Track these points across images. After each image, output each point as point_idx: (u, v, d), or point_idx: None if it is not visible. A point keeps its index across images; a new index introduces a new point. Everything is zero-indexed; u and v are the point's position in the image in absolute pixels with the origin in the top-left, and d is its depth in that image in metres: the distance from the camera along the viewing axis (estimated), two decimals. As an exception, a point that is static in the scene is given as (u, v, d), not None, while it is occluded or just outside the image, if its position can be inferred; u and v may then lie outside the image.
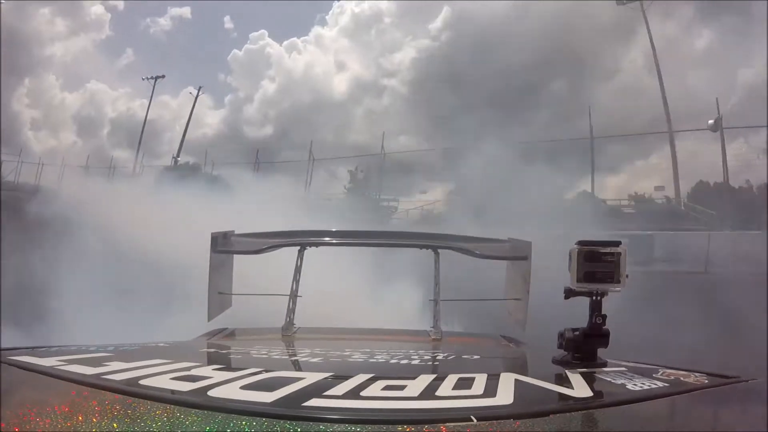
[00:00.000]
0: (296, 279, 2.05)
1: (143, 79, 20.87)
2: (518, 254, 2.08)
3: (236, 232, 2.18)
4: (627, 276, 1.03)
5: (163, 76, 20.74)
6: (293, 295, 2.00)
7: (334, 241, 2.38)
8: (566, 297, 1.05)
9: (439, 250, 2.11)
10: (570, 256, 1.03)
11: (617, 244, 1.04)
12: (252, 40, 23.87)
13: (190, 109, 21.22)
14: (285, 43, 23.73)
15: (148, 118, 20.85)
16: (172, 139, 21.34)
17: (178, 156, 19.95)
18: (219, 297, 2.06)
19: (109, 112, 22.74)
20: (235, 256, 2.18)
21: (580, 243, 1.04)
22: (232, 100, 23.76)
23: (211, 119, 23.32)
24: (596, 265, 1.02)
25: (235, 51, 24.04)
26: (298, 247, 2.10)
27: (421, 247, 2.18)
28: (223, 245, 2.08)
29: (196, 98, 21.12)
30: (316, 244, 2.15)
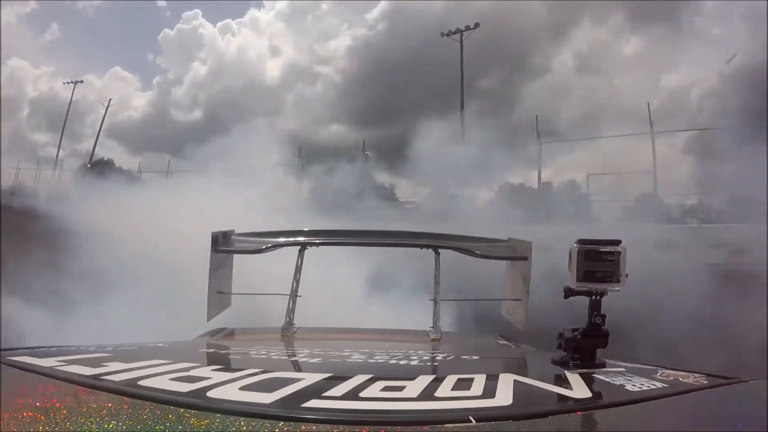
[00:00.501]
0: (296, 279, 2.05)
1: (64, 84, 19.68)
2: (518, 254, 2.07)
3: (236, 232, 2.17)
4: (627, 275, 1.02)
5: (82, 81, 19.58)
6: (293, 295, 2.00)
7: (334, 241, 2.37)
8: (566, 296, 1.05)
9: (440, 250, 2.11)
10: (570, 254, 1.03)
11: (617, 242, 1.03)
12: (185, 20, 23.00)
13: (115, 91, 19.98)
14: (219, 24, 22.95)
15: (72, 99, 19.23)
16: (95, 121, 19.78)
17: (89, 163, 18.21)
18: (218, 296, 2.06)
19: (30, 92, 21.24)
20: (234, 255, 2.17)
21: (580, 242, 1.03)
22: (160, 81, 22.78)
23: (137, 101, 22.28)
24: (596, 264, 1.02)
25: (167, 30, 23.07)
26: (299, 247, 2.09)
27: (421, 246, 2.17)
28: (223, 245, 2.07)
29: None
30: (317, 244, 2.15)
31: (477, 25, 17.02)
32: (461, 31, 17.15)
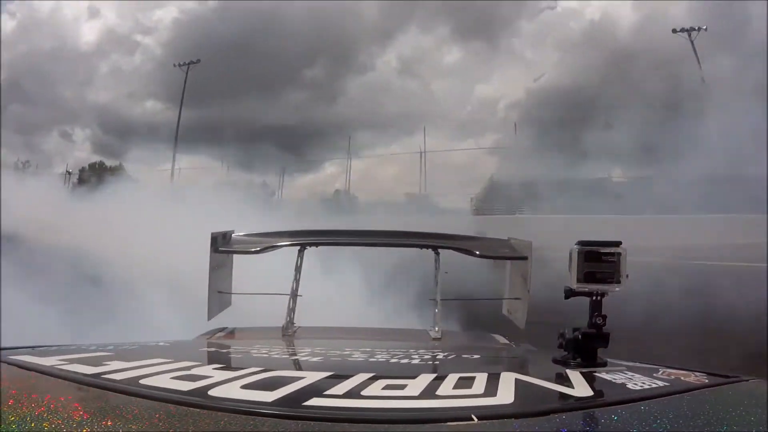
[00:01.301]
0: (296, 278, 2.05)
1: None
2: (518, 254, 2.08)
3: (236, 232, 2.18)
4: (627, 276, 1.03)
5: None
6: (293, 295, 2.00)
7: (334, 241, 2.38)
8: (566, 297, 1.05)
9: (440, 250, 2.12)
10: (570, 256, 1.03)
11: (618, 244, 1.04)
12: None
13: None
14: None
15: None
16: None
17: None
18: (218, 296, 2.06)
19: None
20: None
21: (581, 243, 1.04)
22: None
23: None
24: (596, 265, 1.03)
25: None
26: (299, 247, 2.10)
27: (421, 246, 2.18)
28: (223, 245, 2.08)
29: None
30: (317, 244, 2.15)
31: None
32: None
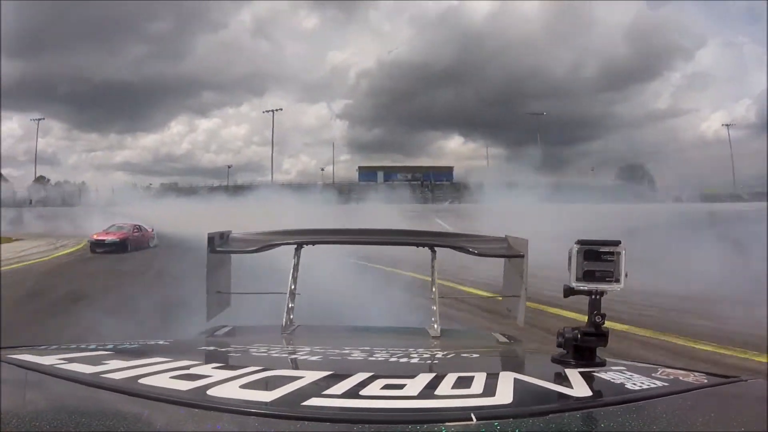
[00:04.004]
0: (294, 277, 2.05)
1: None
2: (515, 252, 2.08)
3: (233, 232, 2.18)
4: (626, 275, 1.03)
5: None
6: (292, 294, 2.00)
7: (331, 240, 2.38)
8: (565, 296, 1.05)
9: (436, 248, 2.12)
10: (569, 254, 1.03)
11: (617, 243, 1.04)
12: None
13: None
14: None
15: None
16: None
17: None
18: (217, 296, 2.06)
19: None
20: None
21: (580, 242, 1.04)
22: None
23: None
24: (596, 264, 1.03)
25: None
26: (295, 246, 2.10)
27: (417, 245, 2.18)
28: (220, 245, 2.08)
29: None
30: (313, 243, 2.15)
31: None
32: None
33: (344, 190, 37.39)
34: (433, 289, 2.04)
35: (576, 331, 1.01)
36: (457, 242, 2.15)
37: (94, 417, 0.63)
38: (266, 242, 2.10)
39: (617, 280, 1.02)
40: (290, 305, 1.98)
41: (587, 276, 1.03)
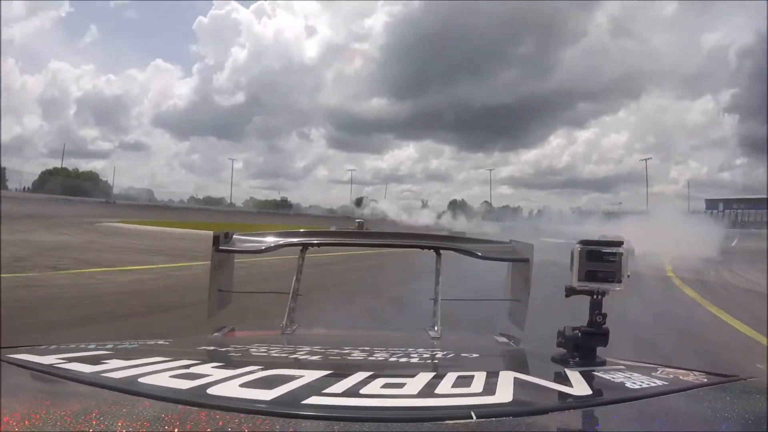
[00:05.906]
0: (297, 278, 2.06)
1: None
2: (520, 256, 2.08)
3: (237, 233, 2.18)
4: (629, 276, 1.03)
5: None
6: (294, 294, 2.01)
7: (335, 241, 2.38)
8: (567, 295, 1.06)
9: (441, 251, 2.12)
10: (572, 254, 1.03)
11: (620, 243, 1.04)
12: (217, 6, 23.47)
13: (158, 82, 21.14)
14: (252, 6, 23.17)
15: (114, 93, 20.43)
16: (141, 113, 21.27)
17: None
18: (219, 295, 2.06)
19: (74, 92, 22.42)
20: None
21: (583, 242, 1.04)
22: (200, 68, 23.65)
23: (179, 90, 23.37)
24: (598, 264, 1.03)
25: (201, 18, 23.77)
26: (300, 247, 2.10)
27: (423, 247, 2.18)
28: (225, 244, 2.08)
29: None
30: (319, 244, 2.15)
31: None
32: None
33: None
34: (436, 290, 2.04)
35: (576, 331, 1.01)
36: (463, 245, 2.16)
37: (94, 416, 0.63)
38: (271, 243, 2.11)
39: (619, 281, 1.02)
40: (292, 306, 1.98)
41: (589, 276, 1.03)
